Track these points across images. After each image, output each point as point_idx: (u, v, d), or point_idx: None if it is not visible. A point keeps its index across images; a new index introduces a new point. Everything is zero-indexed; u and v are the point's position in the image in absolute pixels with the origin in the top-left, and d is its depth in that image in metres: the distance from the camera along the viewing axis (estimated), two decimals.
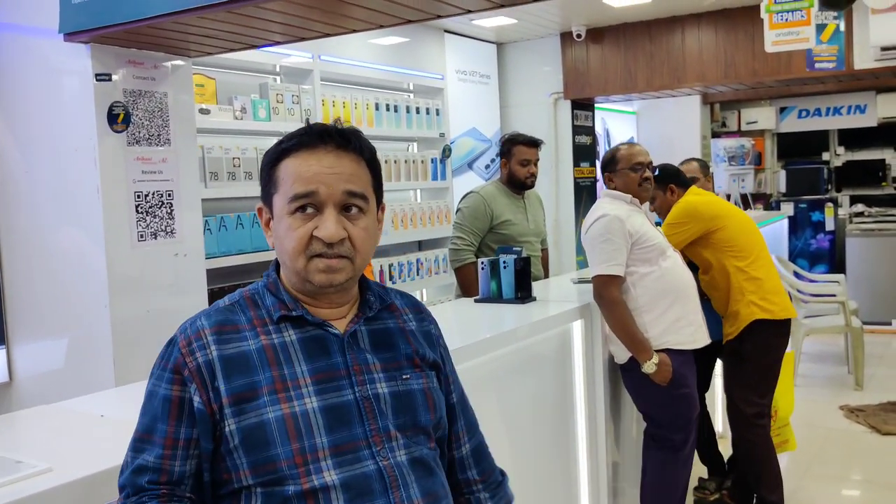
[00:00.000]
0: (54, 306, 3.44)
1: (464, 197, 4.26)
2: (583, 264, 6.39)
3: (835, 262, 8.85)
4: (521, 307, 3.43)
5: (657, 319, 3.19)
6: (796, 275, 6.81)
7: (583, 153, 7.20)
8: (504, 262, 3.54)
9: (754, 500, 3.72)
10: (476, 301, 3.61)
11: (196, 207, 3.63)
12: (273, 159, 1.40)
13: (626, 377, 3.36)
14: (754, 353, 3.59)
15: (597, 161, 7.27)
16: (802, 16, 3.70)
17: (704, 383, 4.11)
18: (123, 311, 3.29)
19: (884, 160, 9.32)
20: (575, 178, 7.10)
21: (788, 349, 3.91)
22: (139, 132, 3.35)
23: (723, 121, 10.06)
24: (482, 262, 3.60)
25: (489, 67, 6.99)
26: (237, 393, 1.31)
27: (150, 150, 3.39)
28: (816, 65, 4.52)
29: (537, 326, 3.14)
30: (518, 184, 4.17)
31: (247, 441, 1.29)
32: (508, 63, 7.13)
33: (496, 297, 3.56)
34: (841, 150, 9.64)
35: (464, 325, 3.25)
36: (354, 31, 3.20)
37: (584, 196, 7.13)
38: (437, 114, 6.12)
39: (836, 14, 4.59)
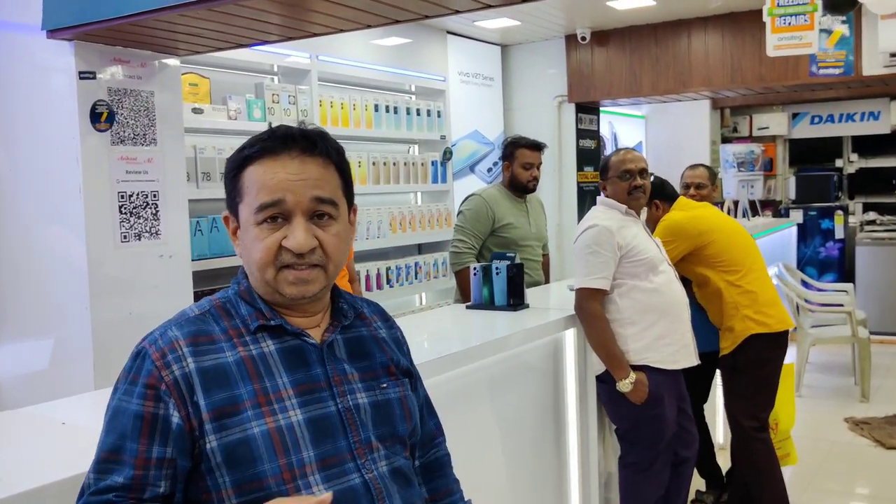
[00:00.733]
0: (38, 307, 3.39)
1: (465, 199, 4.22)
2: None
3: (844, 270, 8.71)
4: (513, 314, 3.35)
5: (640, 334, 3.11)
6: (804, 283, 6.71)
7: (587, 157, 7.11)
8: (497, 268, 3.47)
9: None
10: (468, 307, 3.54)
11: (183, 208, 3.57)
12: (236, 166, 1.33)
13: (601, 389, 3.29)
14: (748, 365, 3.52)
15: None
16: (806, 20, 3.61)
17: (703, 395, 4.03)
18: (105, 314, 3.23)
19: None
20: (578, 183, 7.02)
21: (788, 361, 3.82)
22: (124, 131, 3.29)
23: (734, 126, 9.94)
24: (474, 268, 3.54)
25: (493, 69, 6.92)
26: (218, 408, 1.24)
27: (136, 150, 3.34)
28: (821, 71, 4.43)
29: (528, 335, 3.07)
30: (520, 187, 4.13)
31: (230, 458, 1.22)
32: (512, 65, 7.06)
33: (488, 304, 3.49)
34: (854, 156, 9.50)
35: (453, 332, 3.19)
36: (342, 30, 3.14)
37: (588, 201, 7.05)
38: (439, 116, 6.06)
39: (843, 19, 4.50)
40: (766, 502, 3.53)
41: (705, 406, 4.09)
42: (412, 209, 5.78)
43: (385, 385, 1.40)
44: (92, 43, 3.16)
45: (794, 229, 8.12)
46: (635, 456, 3.21)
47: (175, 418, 1.23)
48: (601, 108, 7.53)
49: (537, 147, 4.13)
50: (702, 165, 4.18)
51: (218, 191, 4.35)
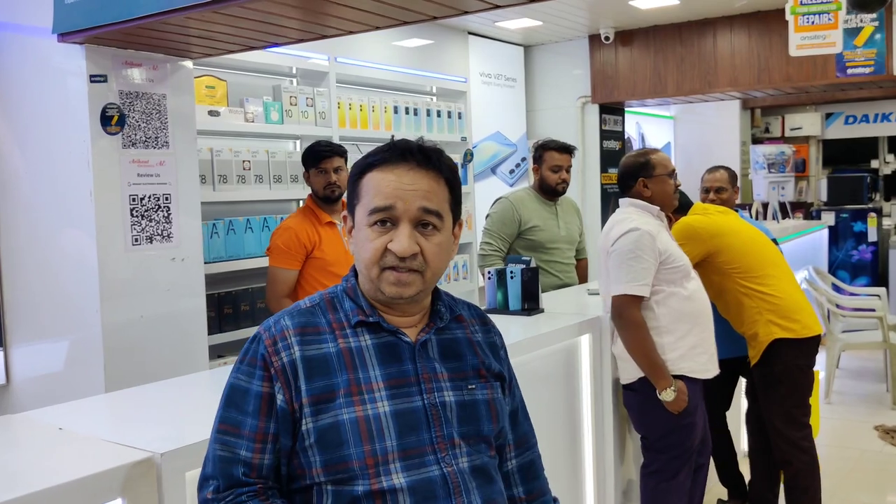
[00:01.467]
0: (51, 309, 3.40)
1: (494, 202, 4.27)
2: None
3: (877, 274, 8.51)
4: (527, 319, 3.31)
5: (676, 343, 3.04)
6: (835, 287, 6.56)
7: (611, 158, 7.02)
8: (511, 272, 3.43)
9: None
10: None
11: (195, 211, 3.56)
12: (359, 172, 1.46)
13: (629, 397, 3.21)
14: (786, 374, 3.45)
15: None
16: (830, 19, 3.50)
17: (725, 402, 3.95)
18: (116, 316, 3.23)
19: None
20: (602, 185, 6.93)
21: (818, 366, 3.73)
22: (135, 134, 3.29)
23: (766, 126, 9.78)
24: (489, 272, 3.51)
25: (516, 70, 6.86)
26: (317, 394, 1.37)
27: (147, 153, 3.34)
28: (849, 70, 4.31)
29: (539, 340, 3.02)
30: (549, 190, 4.15)
31: (321, 440, 1.36)
32: (536, 66, 7.00)
33: (502, 308, 3.45)
34: (891, 157, 9.30)
35: None
36: (351, 32, 3.11)
37: (612, 203, 6.96)
38: (460, 117, 6.01)
39: (873, 17, 4.37)
40: None
41: (728, 413, 4.01)
42: None
43: (473, 386, 1.48)
44: (103, 46, 3.16)
45: (826, 232, 7.95)
46: (662, 464, 3.13)
47: (279, 400, 1.37)
48: (628, 109, 7.44)
49: (566, 150, 4.14)
50: (722, 168, 4.07)
51: (233, 193, 4.35)
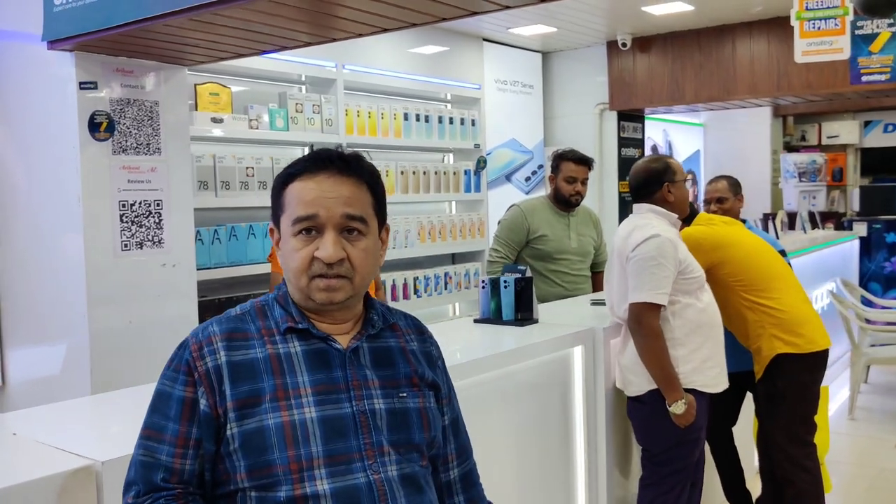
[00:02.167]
0: (45, 313, 3.45)
1: (507, 210, 4.26)
2: None
3: None
4: (518, 329, 3.26)
5: (689, 356, 2.96)
6: (864, 300, 6.37)
7: (629, 166, 6.90)
8: (505, 281, 3.38)
9: None
10: (475, 321, 3.46)
11: (188, 218, 3.59)
12: (281, 183, 1.47)
13: (636, 409, 3.12)
14: (789, 389, 3.34)
15: None
16: (836, 24, 3.39)
17: (732, 417, 3.85)
18: (103, 321, 3.26)
19: None
20: (620, 193, 6.84)
21: (824, 383, 3.62)
22: (126, 141, 3.32)
23: (802, 134, 9.58)
24: (483, 281, 3.47)
25: (533, 77, 6.81)
26: (242, 398, 1.37)
27: (138, 159, 3.37)
28: (863, 77, 4.17)
29: (527, 351, 2.97)
30: (563, 200, 4.10)
31: (246, 445, 1.35)
32: (554, 72, 6.95)
33: (495, 318, 3.40)
34: None
35: (451, 346, 3.12)
36: (360, 34, 3.09)
37: (630, 211, 6.86)
38: (473, 124, 5.98)
39: (890, 22, 4.24)
40: None
41: (735, 429, 3.91)
42: (443, 219, 5.71)
43: (405, 394, 1.48)
44: (93, 53, 3.20)
45: (856, 243, 7.73)
46: (661, 478, 3.06)
47: (203, 405, 1.38)
48: (654, 116, 7.33)
49: (583, 161, 4.08)
50: (723, 177, 4.00)
51: (236, 199, 4.38)
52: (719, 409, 3.45)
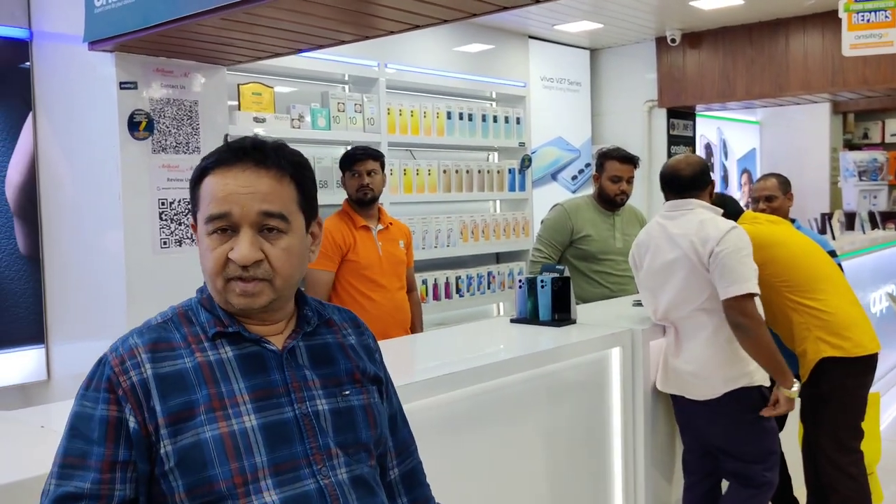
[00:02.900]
0: (87, 309, 3.52)
1: (551, 209, 4.21)
2: None
3: None
4: (555, 330, 3.21)
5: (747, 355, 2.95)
6: None
7: None
8: (542, 281, 3.34)
9: None
10: (511, 321, 3.43)
11: None
12: (196, 178, 1.36)
13: (711, 413, 3.05)
14: (833, 394, 3.25)
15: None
16: (887, 16, 3.25)
17: (780, 421, 3.75)
18: (142, 318, 3.29)
19: None
20: None
21: (874, 389, 3.49)
22: (165, 140, 3.37)
23: (864, 132, 9.28)
24: (520, 280, 3.43)
25: (580, 74, 6.73)
26: (174, 413, 1.27)
27: (178, 158, 3.41)
28: None
29: (563, 352, 2.93)
30: (607, 200, 4.03)
31: (183, 462, 1.25)
32: (602, 69, 6.85)
33: (532, 318, 3.36)
34: None
35: (483, 346, 3.09)
36: (391, 32, 3.09)
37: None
38: (518, 122, 5.92)
39: None
40: None
41: (781, 435, 3.80)
42: (487, 218, 5.67)
43: (348, 392, 1.39)
44: (133, 54, 3.25)
45: None
46: (758, 474, 3.03)
47: (132, 423, 1.26)
48: (708, 114, 7.17)
49: (628, 160, 4.00)
50: (773, 175, 3.89)
51: None
52: None
